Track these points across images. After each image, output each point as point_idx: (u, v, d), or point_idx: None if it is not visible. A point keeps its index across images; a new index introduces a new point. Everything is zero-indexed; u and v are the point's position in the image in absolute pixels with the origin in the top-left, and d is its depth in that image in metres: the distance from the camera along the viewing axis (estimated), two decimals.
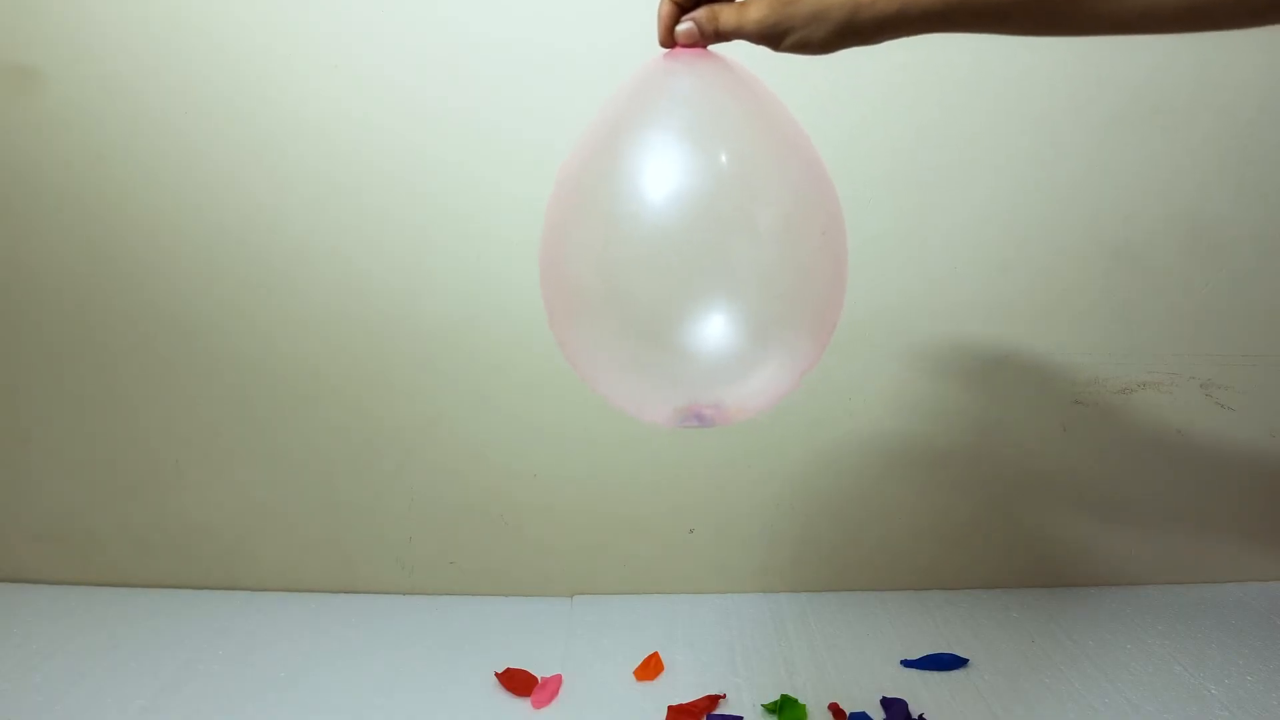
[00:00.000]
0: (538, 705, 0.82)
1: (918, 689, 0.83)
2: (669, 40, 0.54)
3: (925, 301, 0.96)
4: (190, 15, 0.87)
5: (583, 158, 0.53)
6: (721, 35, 0.53)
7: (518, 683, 0.84)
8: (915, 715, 0.79)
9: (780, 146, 0.53)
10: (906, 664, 0.88)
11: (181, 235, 0.93)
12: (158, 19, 0.88)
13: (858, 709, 0.80)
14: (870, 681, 0.85)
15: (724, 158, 0.50)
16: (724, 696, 0.82)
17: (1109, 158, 0.93)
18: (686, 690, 0.84)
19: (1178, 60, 0.90)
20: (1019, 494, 1.02)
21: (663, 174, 0.49)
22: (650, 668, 0.87)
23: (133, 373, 0.98)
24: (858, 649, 0.91)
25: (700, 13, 0.53)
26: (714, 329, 0.49)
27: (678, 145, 0.50)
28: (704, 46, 0.54)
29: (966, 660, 0.88)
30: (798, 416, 0.99)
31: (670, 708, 0.80)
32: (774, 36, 0.51)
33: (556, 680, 0.85)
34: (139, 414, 0.99)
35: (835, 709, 0.80)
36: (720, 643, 0.93)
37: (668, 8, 0.54)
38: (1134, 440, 1.01)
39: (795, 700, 0.81)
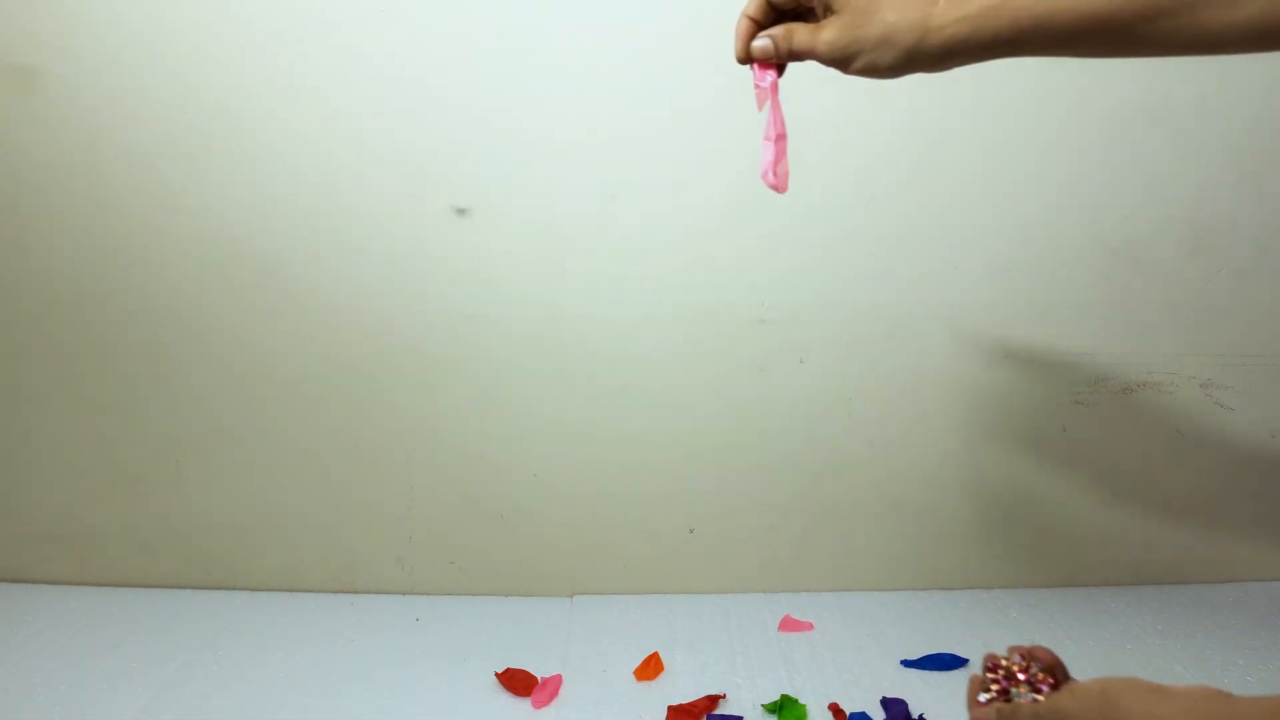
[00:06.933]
0: (538, 705, 0.82)
1: (918, 689, 0.83)
2: (745, 56, 0.55)
3: (925, 301, 0.96)
4: (191, 14, 0.87)
5: None
6: (795, 55, 0.54)
7: (518, 683, 0.84)
8: (915, 715, 0.79)
9: None
10: (906, 664, 0.88)
11: (182, 234, 0.93)
12: (158, 19, 0.87)
13: (858, 709, 0.80)
14: (870, 681, 0.85)
15: None
16: (724, 696, 0.82)
17: (1109, 158, 0.93)
18: (686, 690, 0.84)
19: (1178, 60, 0.90)
20: (1019, 493, 1.02)
21: None
22: (650, 668, 0.87)
23: (133, 373, 0.98)
24: (858, 649, 0.91)
25: (777, 30, 0.54)
26: None
27: None
28: (778, 64, 0.56)
29: (966, 660, 0.88)
30: (798, 416, 0.99)
31: (670, 708, 0.80)
32: (844, 59, 0.52)
33: (556, 680, 0.85)
34: (140, 414, 0.99)
35: (835, 709, 0.80)
36: (720, 643, 0.93)
37: (745, 24, 0.55)
38: (1134, 440, 1.01)
39: (795, 700, 0.81)
